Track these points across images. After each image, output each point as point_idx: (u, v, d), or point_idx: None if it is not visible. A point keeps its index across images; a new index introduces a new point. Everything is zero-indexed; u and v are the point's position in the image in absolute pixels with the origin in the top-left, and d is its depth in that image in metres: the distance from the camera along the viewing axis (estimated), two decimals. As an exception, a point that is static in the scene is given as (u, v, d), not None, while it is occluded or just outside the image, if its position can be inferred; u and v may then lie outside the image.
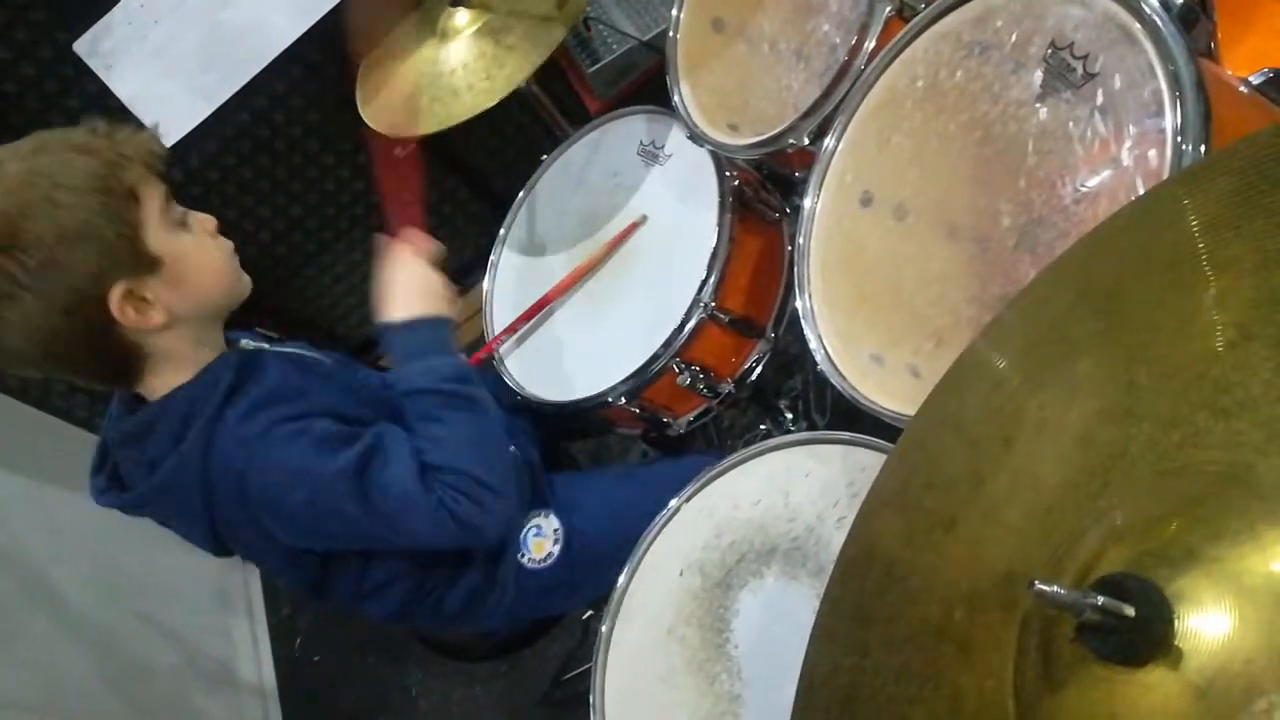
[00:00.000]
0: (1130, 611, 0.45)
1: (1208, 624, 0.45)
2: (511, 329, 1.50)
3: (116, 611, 2.16)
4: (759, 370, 1.42)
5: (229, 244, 1.14)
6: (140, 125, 1.07)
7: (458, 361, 1.17)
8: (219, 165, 2.16)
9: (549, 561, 1.32)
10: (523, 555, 1.32)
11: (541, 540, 1.33)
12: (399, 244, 1.25)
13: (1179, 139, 0.76)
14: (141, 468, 1.10)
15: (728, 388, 1.39)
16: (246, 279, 1.16)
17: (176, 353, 1.08)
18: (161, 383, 1.08)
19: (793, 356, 1.64)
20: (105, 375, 1.10)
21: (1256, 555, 0.46)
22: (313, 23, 1.67)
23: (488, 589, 1.31)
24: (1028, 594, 0.49)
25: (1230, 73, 0.99)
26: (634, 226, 1.44)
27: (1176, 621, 0.46)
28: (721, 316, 1.31)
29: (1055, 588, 0.47)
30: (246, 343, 1.18)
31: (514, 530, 1.33)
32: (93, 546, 2.19)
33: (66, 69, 1.82)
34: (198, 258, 1.08)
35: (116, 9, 1.68)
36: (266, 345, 1.20)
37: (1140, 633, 0.46)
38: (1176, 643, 0.46)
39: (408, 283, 1.22)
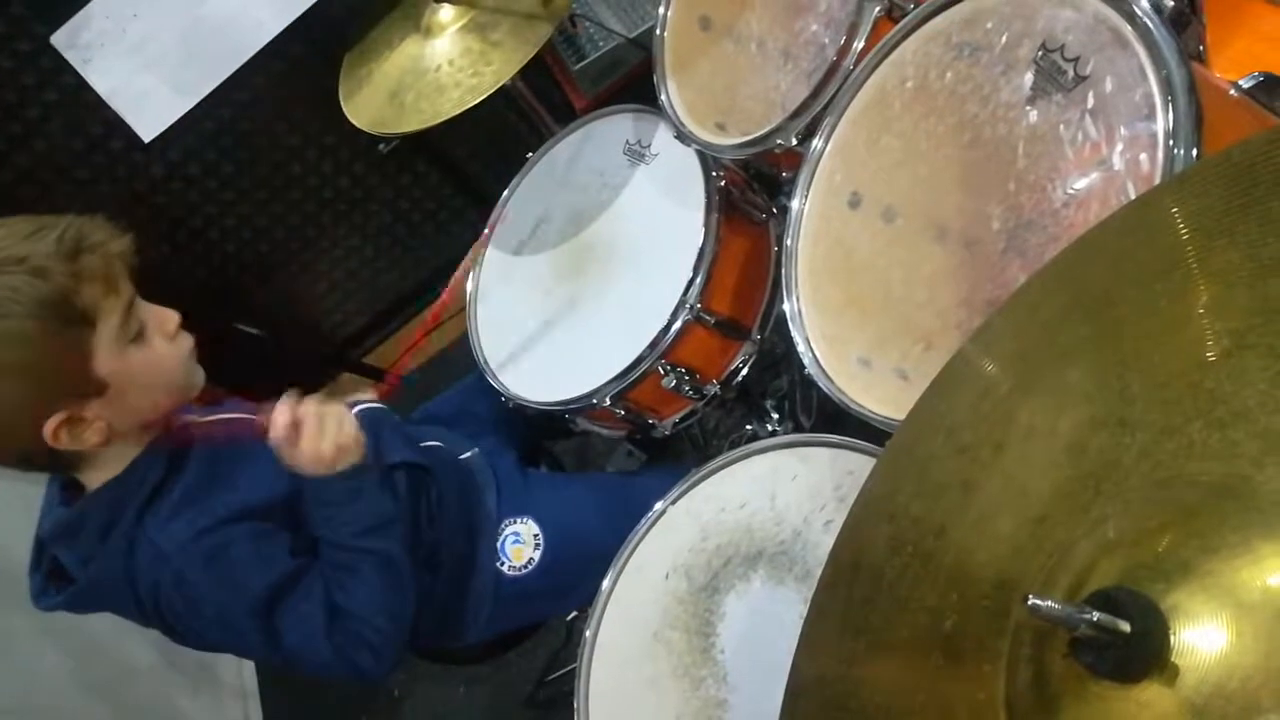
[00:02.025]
0: (1126, 627, 0.44)
1: (1204, 640, 0.45)
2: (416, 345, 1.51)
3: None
4: (745, 371, 1.41)
5: (188, 343, 1.09)
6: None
7: (371, 511, 1.11)
8: (200, 160, 2.13)
9: (530, 568, 1.30)
10: (501, 563, 1.30)
11: (520, 547, 1.31)
12: (289, 412, 1.07)
13: (1170, 143, 0.75)
14: (77, 564, 1.08)
15: (713, 389, 1.38)
16: (199, 376, 1.11)
17: (114, 455, 1.05)
18: (99, 475, 1.06)
19: (779, 356, 1.63)
20: (35, 470, 1.07)
21: (1252, 569, 0.45)
22: (295, 17, 1.64)
23: (462, 603, 1.29)
24: (1021, 607, 0.48)
25: (1220, 76, 0.99)
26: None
27: (1172, 637, 0.45)
28: (707, 318, 1.30)
29: (1049, 602, 0.46)
30: (187, 417, 1.10)
31: (488, 539, 1.31)
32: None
33: (45, 62, 1.80)
34: (147, 374, 1.03)
35: (95, 2, 1.65)
36: (198, 419, 1.10)
37: (1135, 649, 0.45)
38: (1172, 659, 0.45)
39: (323, 445, 1.07)
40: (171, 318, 1.07)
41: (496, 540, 1.31)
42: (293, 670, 1.13)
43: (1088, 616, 0.44)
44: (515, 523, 1.33)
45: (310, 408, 1.07)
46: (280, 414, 1.06)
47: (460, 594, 1.29)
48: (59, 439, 0.97)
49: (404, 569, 1.12)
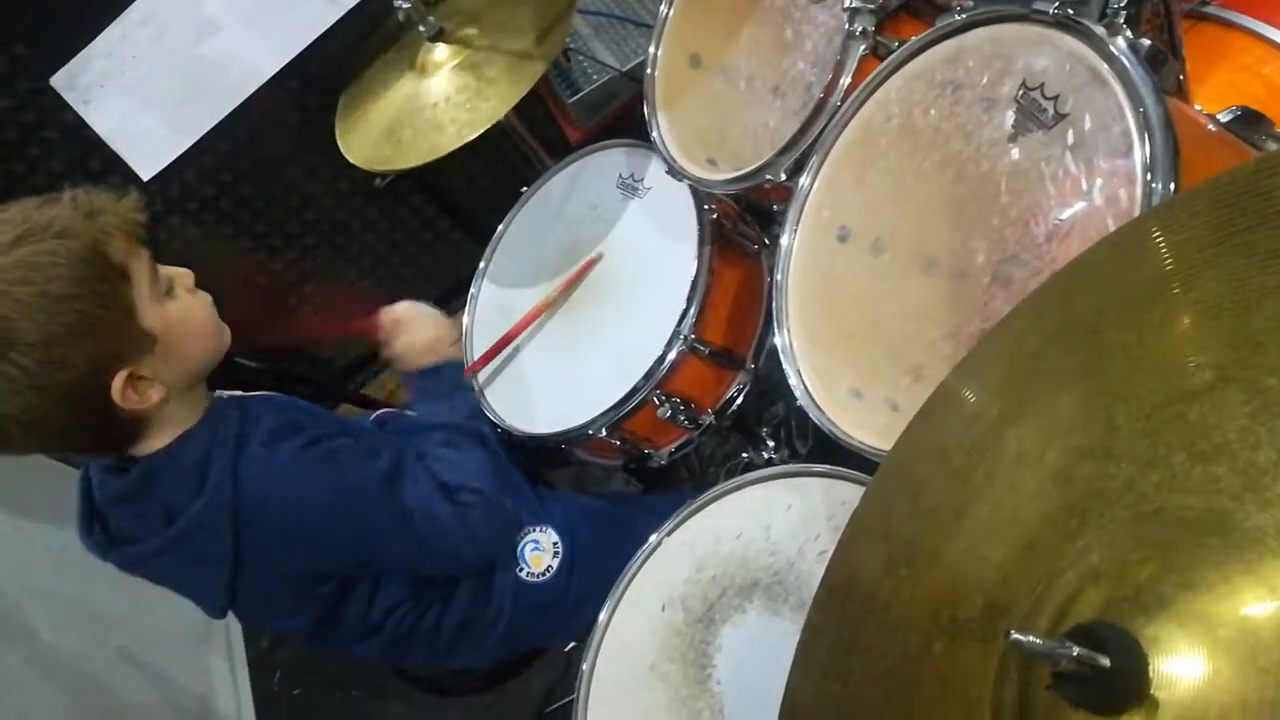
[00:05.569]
0: (1106, 662, 0.45)
1: (1183, 673, 0.46)
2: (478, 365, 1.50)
3: (92, 648, 2.12)
4: (740, 400, 1.42)
5: (208, 297, 1.13)
6: (117, 185, 1.06)
7: (468, 400, 1.35)
8: (198, 196, 2.15)
9: (548, 575, 1.32)
10: (521, 569, 1.32)
11: (540, 554, 1.33)
12: (391, 313, 1.38)
13: (1148, 177, 0.77)
14: (150, 520, 1.08)
15: (709, 419, 1.39)
16: (227, 330, 1.15)
17: (172, 416, 1.07)
18: (156, 442, 1.07)
19: (774, 383, 1.63)
20: (99, 449, 1.09)
21: (1230, 604, 0.46)
22: (292, 56, 1.66)
23: (484, 606, 1.30)
24: (1004, 642, 0.49)
25: (1200, 108, 1.01)
26: (591, 263, 1.46)
27: (1152, 671, 0.46)
28: (702, 348, 1.31)
29: (1031, 638, 0.47)
30: (222, 393, 1.18)
31: (508, 546, 1.32)
32: (67, 582, 2.15)
33: (45, 100, 1.82)
34: (186, 324, 1.07)
35: (96, 42, 1.67)
36: (240, 394, 1.20)
37: (1116, 683, 0.46)
38: (1152, 692, 0.46)
39: (417, 339, 1.36)
40: (188, 274, 1.11)
41: (517, 547, 1.32)
42: (428, 551, 1.20)
43: (1068, 652, 0.45)
44: (534, 530, 1.34)
45: (403, 306, 1.38)
46: (384, 315, 1.36)
47: (482, 599, 1.30)
48: (127, 397, 0.99)
49: (496, 446, 1.30)
